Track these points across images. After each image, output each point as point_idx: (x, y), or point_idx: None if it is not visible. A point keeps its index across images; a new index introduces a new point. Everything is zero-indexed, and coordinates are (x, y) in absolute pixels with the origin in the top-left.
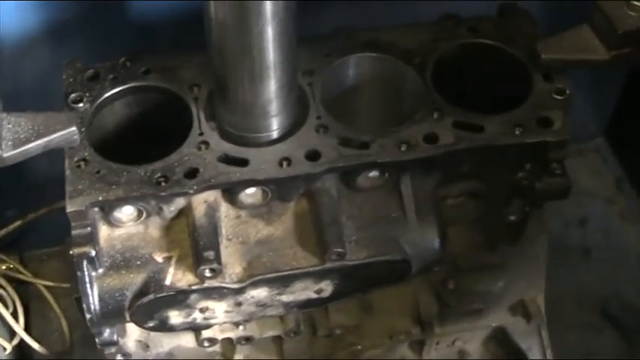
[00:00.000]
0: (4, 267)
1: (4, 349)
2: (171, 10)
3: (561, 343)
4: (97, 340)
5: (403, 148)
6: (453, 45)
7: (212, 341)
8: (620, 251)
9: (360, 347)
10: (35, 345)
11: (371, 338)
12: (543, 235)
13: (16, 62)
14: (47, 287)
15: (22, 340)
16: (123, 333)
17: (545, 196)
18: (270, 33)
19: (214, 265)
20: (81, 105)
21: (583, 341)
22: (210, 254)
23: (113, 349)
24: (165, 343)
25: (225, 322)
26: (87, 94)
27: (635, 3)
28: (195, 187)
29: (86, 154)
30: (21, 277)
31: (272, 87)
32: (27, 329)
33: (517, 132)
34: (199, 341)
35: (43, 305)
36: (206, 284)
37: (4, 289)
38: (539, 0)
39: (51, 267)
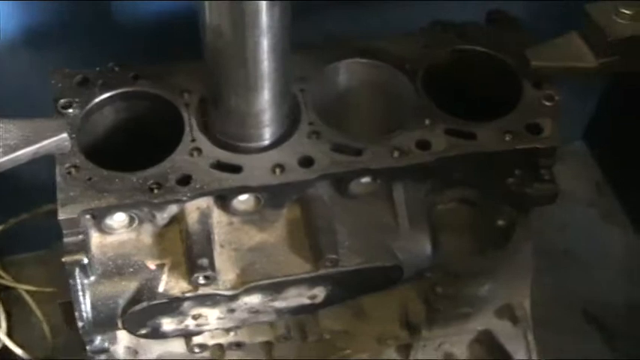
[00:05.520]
0: None
1: None
2: (159, 20)
3: (544, 345)
4: (87, 348)
5: (396, 154)
6: (443, 51)
7: (202, 347)
8: (601, 253)
9: (348, 351)
10: (18, 350)
11: (360, 343)
12: (529, 239)
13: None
14: (29, 292)
15: (4, 346)
16: (114, 340)
17: (534, 202)
18: (265, 44)
19: (208, 273)
20: (70, 110)
21: (566, 343)
22: (204, 261)
23: (103, 357)
24: (155, 349)
25: (217, 329)
26: (76, 100)
27: (624, 11)
28: (188, 194)
29: (77, 160)
30: (2, 282)
31: (266, 96)
32: (9, 334)
33: (507, 139)
34: (190, 347)
35: (25, 311)
36: (200, 291)
37: None
38: (527, 0)
39: (32, 272)
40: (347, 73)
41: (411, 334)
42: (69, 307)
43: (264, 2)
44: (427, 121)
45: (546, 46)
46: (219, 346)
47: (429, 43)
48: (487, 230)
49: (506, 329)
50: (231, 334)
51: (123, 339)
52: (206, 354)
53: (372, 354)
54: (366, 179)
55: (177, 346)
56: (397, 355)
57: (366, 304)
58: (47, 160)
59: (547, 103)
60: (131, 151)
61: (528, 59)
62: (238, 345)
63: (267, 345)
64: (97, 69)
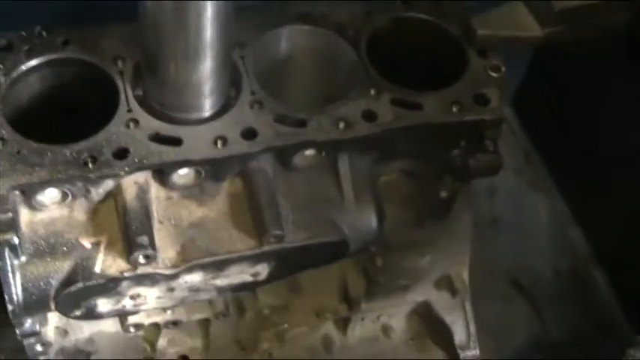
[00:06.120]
0: None
1: None
2: None
3: (474, 313)
4: (17, 331)
5: (341, 126)
6: (386, 19)
7: (138, 326)
8: (528, 222)
9: (285, 326)
10: None
11: (298, 317)
12: (469, 210)
13: None
14: None
15: None
16: (44, 322)
17: (477, 173)
18: (209, 10)
19: (148, 251)
20: None
21: (495, 311)
22: (144, 239)
23: (33, 340)
24: (86, 328)
25: (155, 308)
26: (0, 67)
27: None
28: (126, 169)
29: (3, 132)
30: None
31: (207, 66)
32: None
33: (454, 109)
34: (125, 327)
35: None
36: (139, 271)
37: None
38: None
39: None
40: (289, 39)
41: (350, 308)
42: None
43: None
44: (372, 91)
45: (492, 14)
46: (155, 324)
47: (371, 10)
48: (430, 201)
49: (444, 300)
50: (168, 312)
51: (51, 319)
52: (140, 332)
53: (309, 329)
54: (310, 151)
55: (110, 324)
56: (335, 329)
57: (304, 279)
58: None
59: (493, 74)
60: (62, 122)
61: (474, 28)
62: (175, 323)
63: (204, 322)
64: (23, 33)
